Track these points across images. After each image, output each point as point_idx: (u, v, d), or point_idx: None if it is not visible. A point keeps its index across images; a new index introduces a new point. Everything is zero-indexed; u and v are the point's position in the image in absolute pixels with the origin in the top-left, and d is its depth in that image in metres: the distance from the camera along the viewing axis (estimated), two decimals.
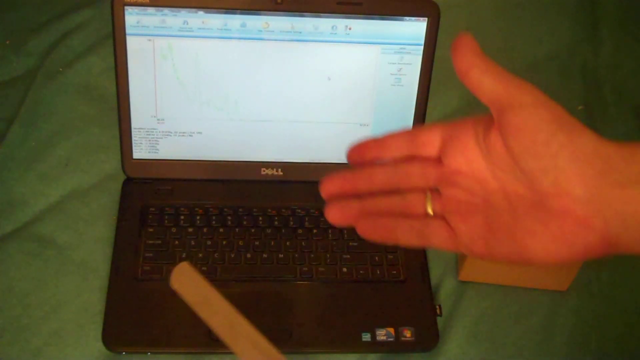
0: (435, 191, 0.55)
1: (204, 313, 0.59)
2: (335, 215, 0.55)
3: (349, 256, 0.91)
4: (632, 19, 1.24)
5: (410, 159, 0.56)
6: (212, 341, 0.82)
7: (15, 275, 0.88)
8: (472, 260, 0.88)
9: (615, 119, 1.10)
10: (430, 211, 0.55)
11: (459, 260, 0.92)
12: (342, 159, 0.94)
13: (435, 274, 0.92)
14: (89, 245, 0.91)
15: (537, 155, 0.48)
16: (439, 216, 0.55)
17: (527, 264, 0.50)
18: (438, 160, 0.55)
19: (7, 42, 1.11)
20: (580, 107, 1.11)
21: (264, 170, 0.96)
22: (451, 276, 0.92)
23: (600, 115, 1.10)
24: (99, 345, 0.82)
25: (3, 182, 0.96)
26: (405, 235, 0.55)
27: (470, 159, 0.53)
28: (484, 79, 0.50)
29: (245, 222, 0.93)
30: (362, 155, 0.57)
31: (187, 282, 0.60)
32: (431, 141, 0.55)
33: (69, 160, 0.99)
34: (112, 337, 0.83)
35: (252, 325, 0.59)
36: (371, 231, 0.55)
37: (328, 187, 0.57)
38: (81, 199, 0.95)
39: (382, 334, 0.84)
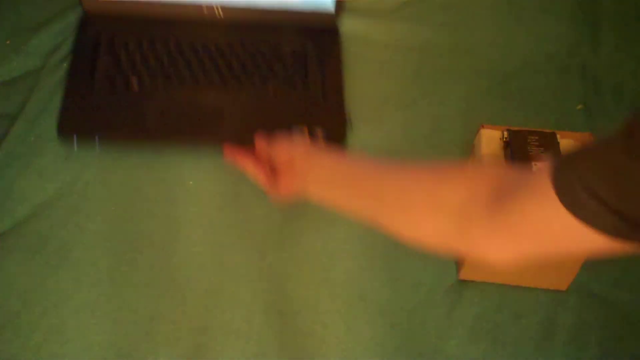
0: None
1: None
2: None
3: (275, 79, 1.07)
4: (632, 19, 1.24)
5: None
6: (156, 136, 1.00)
7: (15, 272, 0.88)
8: (473, 259, 0.88)
9: (614, 118, 1.10)
10: None
11: (459, 259, 0.92)
12: (278, 4, 1.09)
13: (435, 273, 0.92)
14: (89, 240, 0.91)
15: None
16: None
17: None
18: None
19: (8, 42, 1.11)
20: (579, 107, 1.11)
21: (207, 11, 1.10)
22: (451, 275, 0.92)
23: (600, 115, 1.10)
24: (99, 339, 0.82)
25: (3, 177, 0.96)
26: None
27: None
28: None
29: (188, 54, 1.07)
30: None
31: None
32: None
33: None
34: (65, 127, 0.99)
35: None
36: None
37: None
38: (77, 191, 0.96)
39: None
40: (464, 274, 0.91)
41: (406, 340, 0.87)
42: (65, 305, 0.86)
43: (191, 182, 0.98)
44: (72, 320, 0.85)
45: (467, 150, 0.93)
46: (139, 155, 1.00)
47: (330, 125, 1.03)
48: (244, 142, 0.91)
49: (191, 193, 0.97)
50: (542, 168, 0.54)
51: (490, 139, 0.86)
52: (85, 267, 0.89)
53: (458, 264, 0.92)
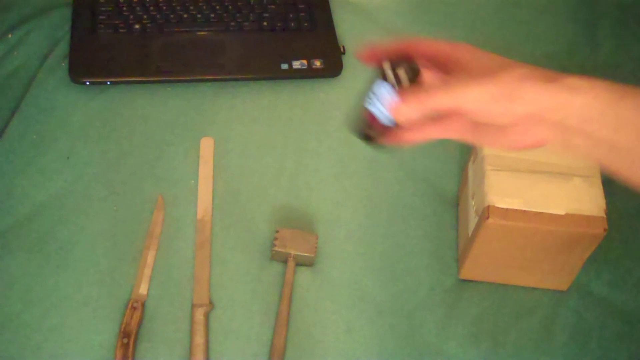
0: None
1: None
2: None
3: (268, 14, 1.15)
4: (631, 19, 1.24)
5: None
6: (161, 72, 1.06)
7: (16, 272, 0.88)
8: (473, 258, 0.88)
9: None
10: None
11: (459, 258, 0.92)
12: None
13: (435, 273, 0.92)
14: (89, 239, 0.91)
15: None
16: None
17: None
18: None
19: (9, 36, 1.10)
20: None
21: None
22: (451, 275, 0.92)
23: None
24: (99, 338, 0.82)
25: (4, 176, 0.96)
26: None
27: None
28: None
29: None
30: None
31: None
32: None
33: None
34: (77, 71, 1.05)
35: None
36: None
37: None
38: None
39: (297, 64, 1.09)
40: (464, 274, 0.91)
41: (406, 340, 0.87)
42: (65, 305, 0.86)
43: (193, 181, 0.97)
44: (72, 320, 0.85)
45: (468, 150, 0.93)
46: (141, 152, 1.00)
47: (326, 55, 1.11)
48: (244, 74, 1.07)
49: (192, 192, 0.97)
50: None
51: None
52: (86, 267, 0.89)
53: (459, 263, 0.92)
